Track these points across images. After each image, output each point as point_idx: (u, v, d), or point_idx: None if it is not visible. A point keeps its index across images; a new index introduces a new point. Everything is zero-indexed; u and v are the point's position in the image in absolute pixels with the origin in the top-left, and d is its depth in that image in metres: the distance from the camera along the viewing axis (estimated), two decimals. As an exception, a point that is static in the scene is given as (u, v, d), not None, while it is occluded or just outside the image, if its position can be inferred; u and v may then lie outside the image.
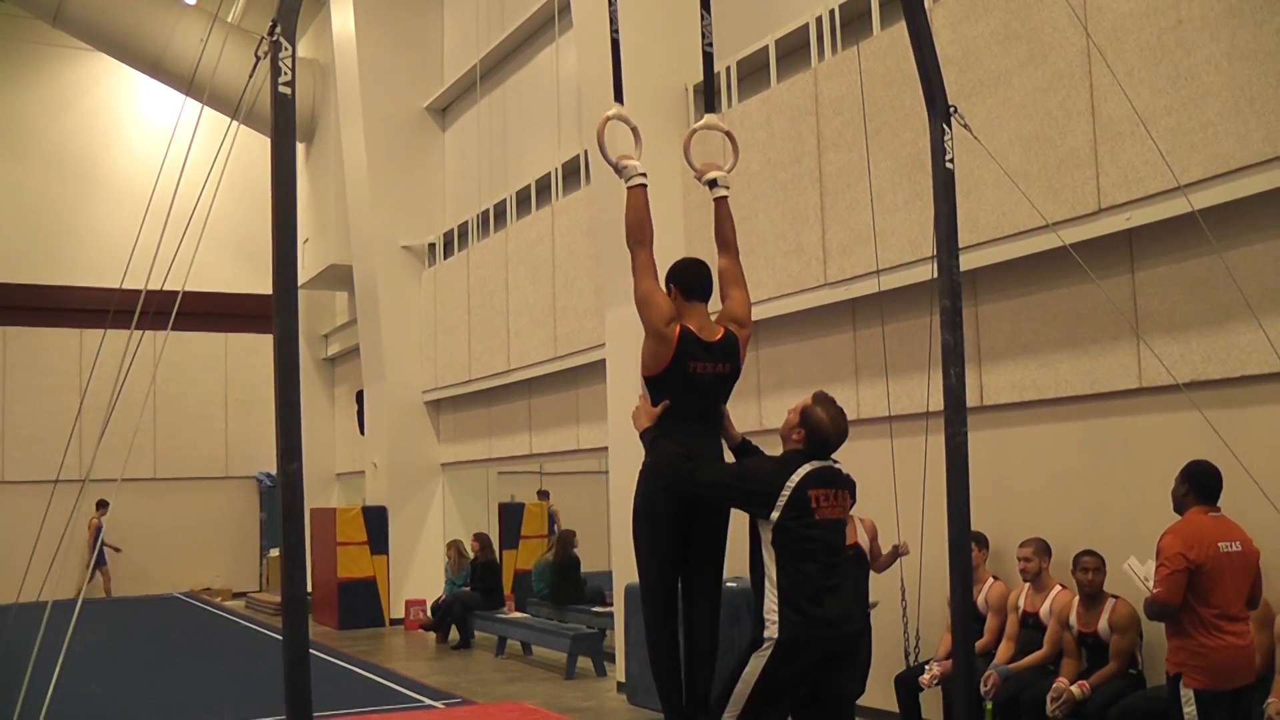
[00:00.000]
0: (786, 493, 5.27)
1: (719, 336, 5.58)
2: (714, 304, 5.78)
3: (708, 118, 6.16)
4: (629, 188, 5.62)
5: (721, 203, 5.95)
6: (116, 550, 23.88)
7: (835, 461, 5.56)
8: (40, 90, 25.44)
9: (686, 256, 5.76)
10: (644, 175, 5.61)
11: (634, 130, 5.81)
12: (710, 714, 5.42)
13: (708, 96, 6.32)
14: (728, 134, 6.12)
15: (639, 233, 5.57)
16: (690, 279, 5.63)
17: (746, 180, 11.17)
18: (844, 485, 5.52)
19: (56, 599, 6.06)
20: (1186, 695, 6.15)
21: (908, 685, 8.59)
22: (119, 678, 12.79)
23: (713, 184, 5.94)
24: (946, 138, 6.56)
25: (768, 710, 5.26)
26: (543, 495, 20.15)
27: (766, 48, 11.30)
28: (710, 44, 6.27)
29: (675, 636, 5.60)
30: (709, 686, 5.70)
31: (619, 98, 5.92)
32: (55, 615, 6.31)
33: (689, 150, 6.04)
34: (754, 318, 10.88)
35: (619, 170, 5.70)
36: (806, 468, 5.34)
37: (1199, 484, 6.36)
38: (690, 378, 5.46)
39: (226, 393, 26.21)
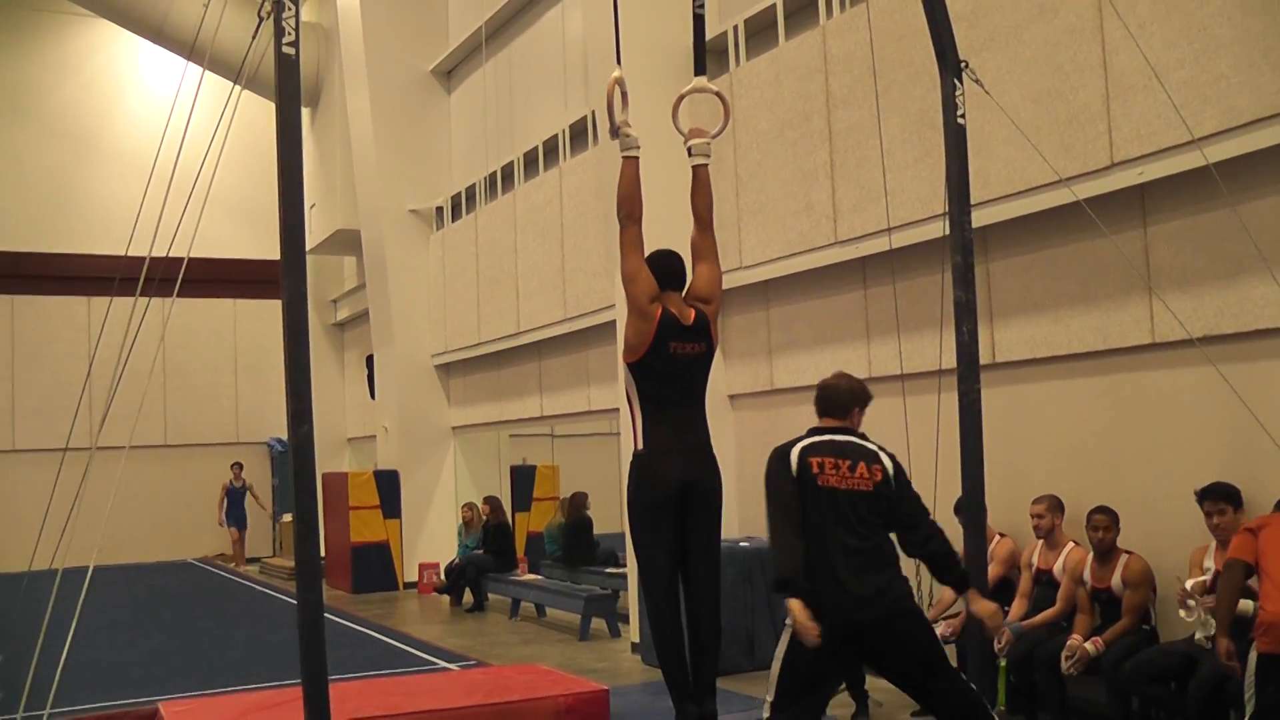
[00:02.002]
0: (793, 472, 5.30)
1: (692, 318, 5.73)
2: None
3: (696, 81, 6.15)
4: (625, 157, 5.66)
5: (699, 170, 5.94)
6: (264, 510, 25.05)
7: (857, 435, 5.48)
8: (42, 57, 25.35)
9: (660, 248, 5.85)
10: (638, 148, 5.72)
11: (623, 95, 5.83)
12: None
13: (698, 58, 6.28)
14: (718, 95, 6.07)
15: (629, 206, 5.70)
16: (663, 271, 5.76)
17: (755, 139, 11.11)
18: (859, 455, 5.39)
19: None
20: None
21: (921, 643, 8.57)
22: (134, 643, 12.85)
23: (689, 151, 5.95)
24: (958, 93, 6.52)
25: (802, 689, 5.18)
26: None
27: (774, 5, 11.21)
28: (701, 5, 6.22)
29: (679, 623, 5.64)
30: (715, 670, 5.73)
31: (619, 60, 5.90)
32: (67, 581, 6.32)
33: (677, 115, 6.02)
34: (764, 277, 10.96)
35: (618, 136, 5.73)
36: (805, 440, 5.31)
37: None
38: (670, 359, 5.62)
39: (236, 359, 26.25)
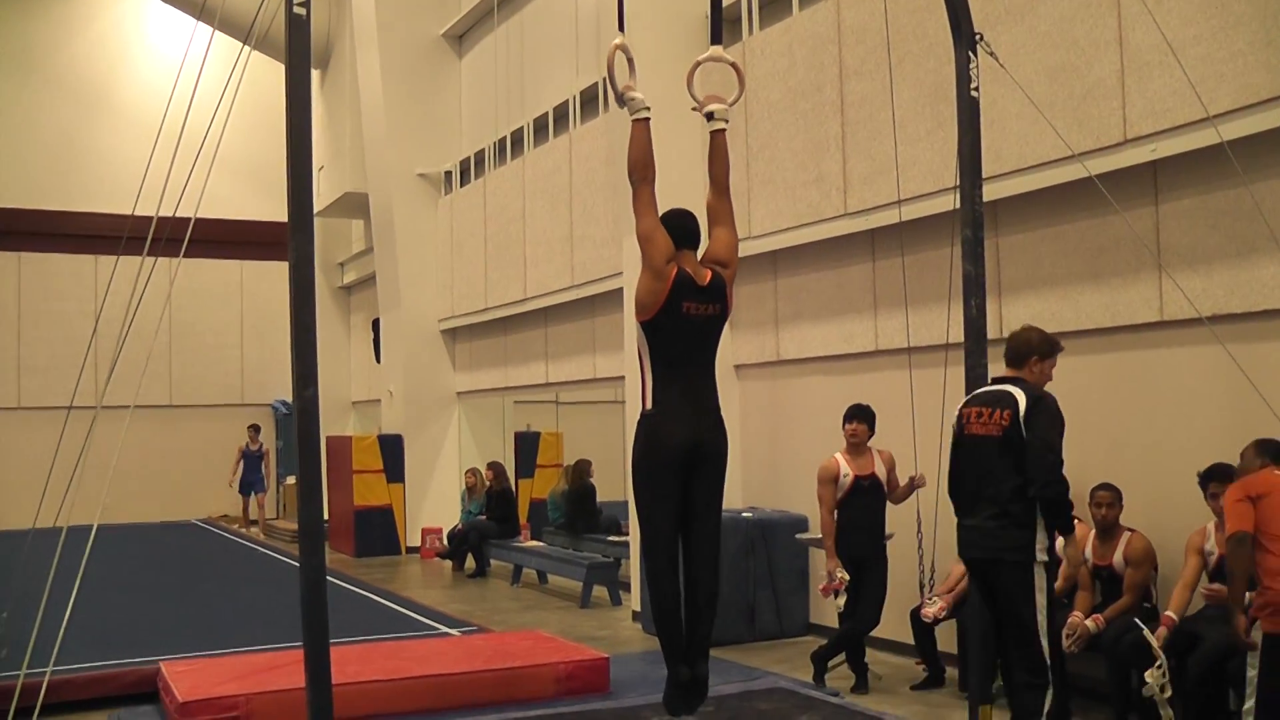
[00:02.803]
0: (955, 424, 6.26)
1: (708, 279, 5.69)
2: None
3: (712, 50, 6.10)
4: (634, 121, 5.66)
5: (717, 136, 5.93)
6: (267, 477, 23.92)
7: (1015, 383, 6.04)
8: (49, 15, 25.23)
9: (675, 207, 5.81)
10: (648, 109, 5.65)
11: (629, 61, 5.77)
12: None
13: (714, 27, 6.23)
14: (733, 65, 6.02)
15: (642, 169, 5.65)
16: (677, 229, 5.72)
17: (767, 109, 11.05)
18: (999, 402, 6.01)
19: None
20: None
21: (923, 618, 8.60)
22: (136, 602, 12.88)
23: (710, 116, 5.91)
24: (972, 66, 6.48)
25: None
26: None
27: (789, -26, 11.16)
28: None
29: (677, 584, 5.65)
30: (709, 633, 5.75)
31: (621, 27, 5.84)
32: (70, 540, 6.33)
33: (692, 83, 5.98)
34: (772, 247, 10.93)
35: (624, 102, 5.71)
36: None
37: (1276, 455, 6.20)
38: (683, 319, 5.59)
39: (241, 320, 26.23)
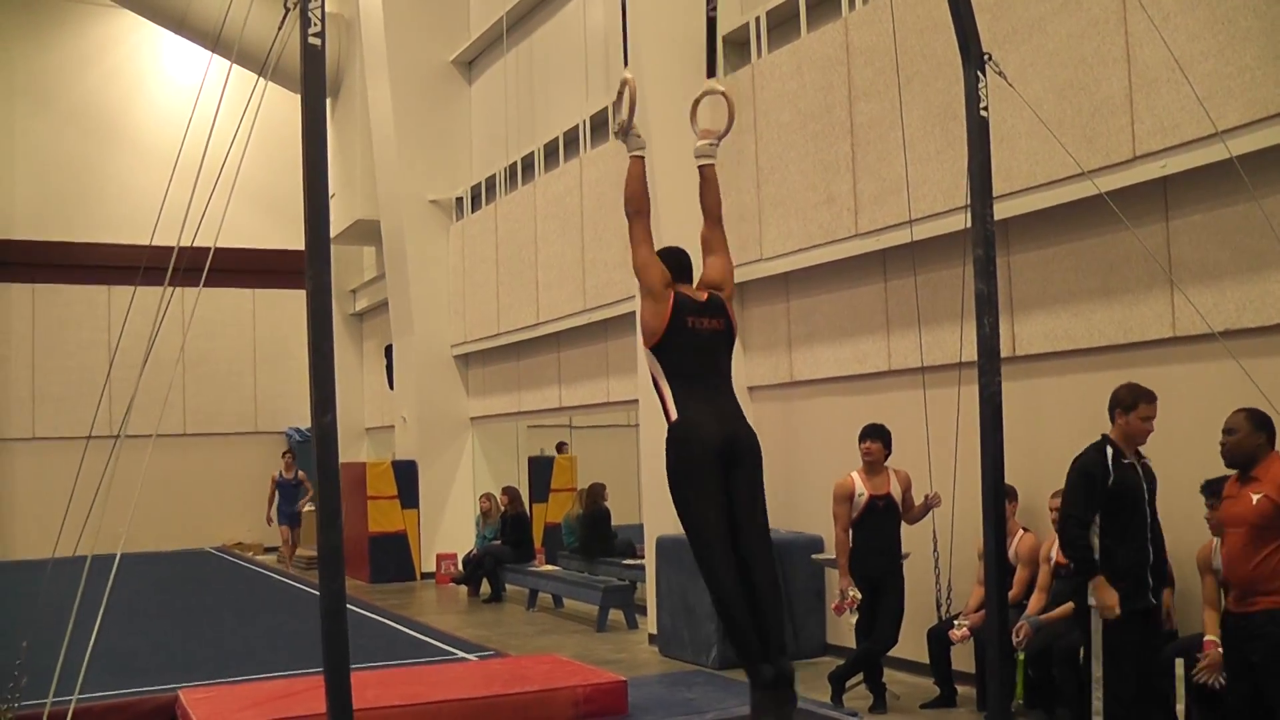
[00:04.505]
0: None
1: (706, 297, 5.80)
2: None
3: (707, 83, 6.21)
4: (632, 157, 5.80)
5: (705, 170, 6.05)
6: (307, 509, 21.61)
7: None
8: (64, 47, 25.40)
9: (668, 246, 5.92)
10: (644, 147, 5.84)
11: (632, 99, 5.89)
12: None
13: (709, 61, 6.31)
14: (724, 94, 6.11)
15: (637, 202, 5.75)
16: (672, 263, 5.81)
17: (777, 131, 11.09)
18: None
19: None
20: None
21: (939, 638, 8.59)
22: (153, 630, 12.89)
23: (695, 153, 6.07)
24: (981, 85, 6.49)
25: None
26: (562, 447, 20.16)
27: (796, -3, 11.21)
28: (714, 9, 6.24)
29: (737, 583, 5.56)
30: (781, 626, 5.67)
31: (626, 62, 6.02)
32: (94, 569, 6.35)
33: (695, 117, 6.10)
34: (785, 269, 10.95)
35: (624, 137, 5.86)
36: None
37: (1273, 430, 6.15)
38: (690, 333, 5.65)
39: (254, 348, 26.30)
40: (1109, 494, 6.42)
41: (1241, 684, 6.13)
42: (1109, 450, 6.49)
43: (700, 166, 6.06)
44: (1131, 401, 6.48)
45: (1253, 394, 6.43)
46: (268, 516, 21.33)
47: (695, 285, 5.92)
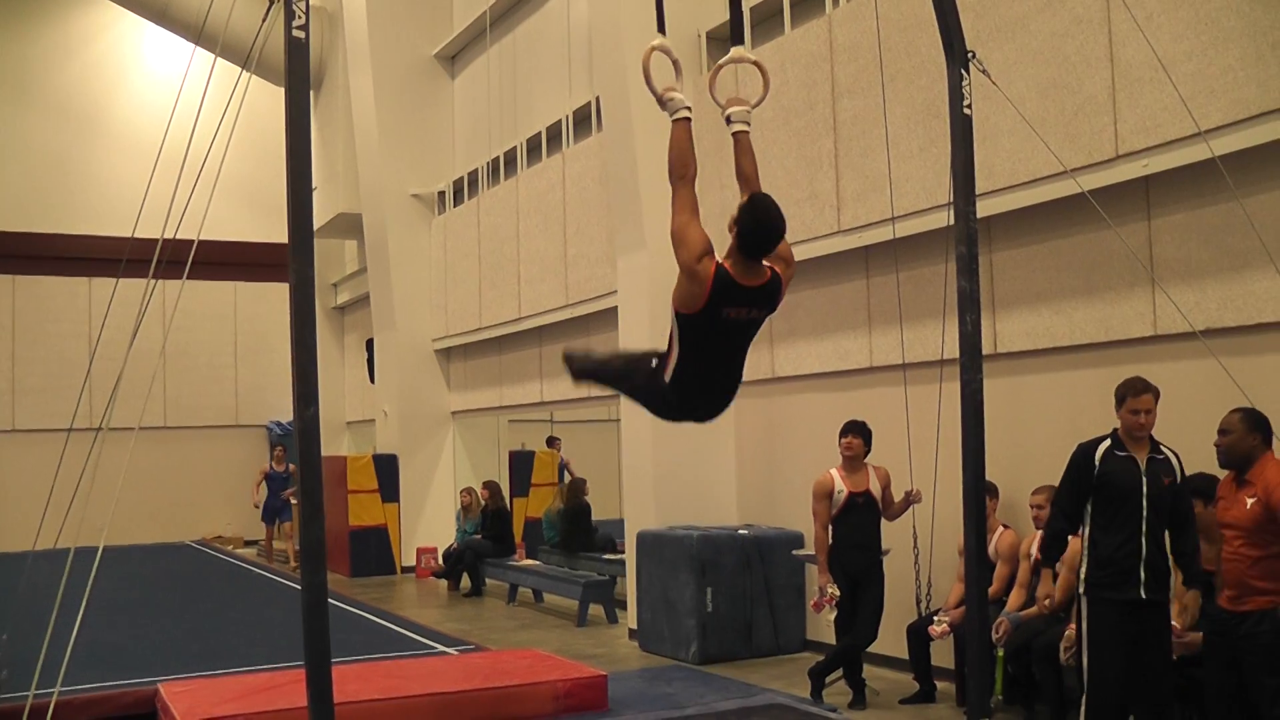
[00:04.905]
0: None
1: (762, 281, 5.03)
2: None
3: (735, 50, 5.88)
4: (674, 120, 5.17)
5: (741, 137, 5.65)
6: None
7: None
8: (45, 37, 25.28)
9: (762, 204, 4.98)
10: (689, 109, 5.18)
11: (675, 63, 5.39)
12: None
13: (734, 28, 6.07)
14: (757, 64, 5.85)
15: (681, 168, 5.11)
16: (750, 234, 4.93)
17: (760, 127, 11.01)
18: None
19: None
20: None
21: (919, 634, 8.62)
22: (133, 624, 12.86)
23: (730, 119, 5.68)
24: (965, 83, 6.50)
25: None
26: (552, 442, 20.11)
27: (780, -7, 11.22)
28: None
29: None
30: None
31: (662, 29, 5.46)
32: (76, 561, 6.34)
33: (714, 87, 5.81)
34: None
35: (663, 103, 5.40)
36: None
37: (1269, 431, 6.19)
38: (723, 323, 5.06)
39: (236, 341, 26.22)
40: (1096, 484, 6.49)
41: (1224, 678, 6.18)
42: (1106, 443, 6.54)
43: (738, 134, 5.67)
44: (1120, 395, 6.53)
45: (1234, 393, 6.47)
46: (255, 502, 21.35)
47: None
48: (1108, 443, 6.55)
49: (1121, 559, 6.39)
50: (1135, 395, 6.48)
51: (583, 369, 5.68)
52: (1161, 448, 6.54)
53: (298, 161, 4.96)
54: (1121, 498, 6.42)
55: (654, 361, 5.27)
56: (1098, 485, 6.49)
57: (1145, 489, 6.40)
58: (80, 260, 24.04)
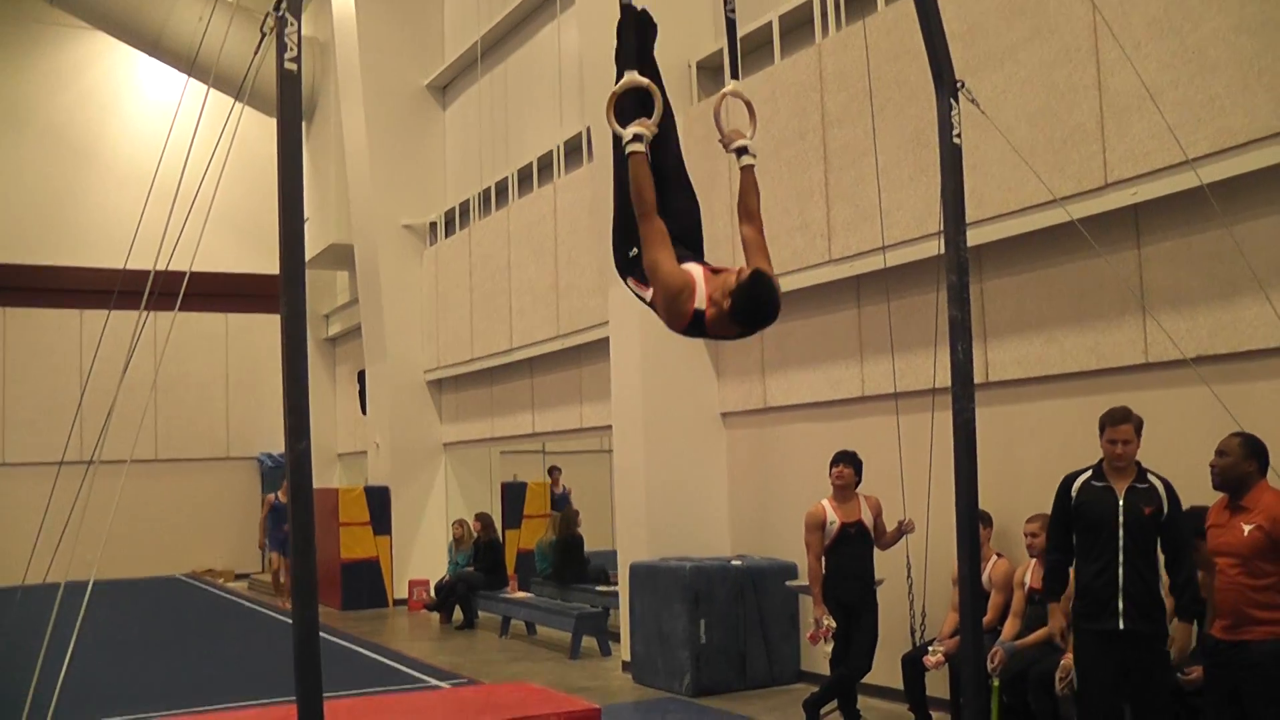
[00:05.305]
0: None
1: (736, 332, 4.90)
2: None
3: (732, 84, 5.95)
4: (628, 154, 5.05)
5: (749, 171, 5.72)
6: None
7: None
8: (38, 68, 25.34)
9: (765, 289, 4.76)
10: (639, 140, 5.03)
11: (647, 95, 5.21)
12: None
13: (732, 63, 6.11)
14: (747, 103, 5.93)
15: (639, 204, 5.06)
16: (745, 316, 4.78)
17: (750, 157, 11.10)
18: None
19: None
20: None
21: (914, 664, 8.58)
22: (124, 660, 12.80)
23: (741, 151, 5.73)
24: (954, 113, 6.51)
25: None
26: (554, 472, 20.01)
27: (770, 23, 11.26)
28: (733, 9, 5.99)
29: None
30: None
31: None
32: (65, 596, 6.30)
33: (719, 118, 5.83)
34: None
35: (618, 138, 5.40)
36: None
37: (1265, 459, 6.16)
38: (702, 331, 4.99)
39: (227, 373, 26.19)
40: (1073, 515, 6.58)
41: (1225, 709, 6.13)
42: (1086, 474, 6.61)
43: (744, 168, 5.73)
44: (1101, 424, 6.57)
45: (1226, 420, 6.47)
46: (260, 543, 21.13)
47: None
48: (1088, 473, 6.61)
49: (1099, 589, 6.42)
50: (1114, 425, 6.51)
51: None
52: (1148, 475, 6.55)
53: (290, 194, 4.95)
54: (1096, 528, 6.47)
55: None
56: (1075, 516, 6.55)
57: (1122, 518, 6.41)
58: (72, 292, 24.04)
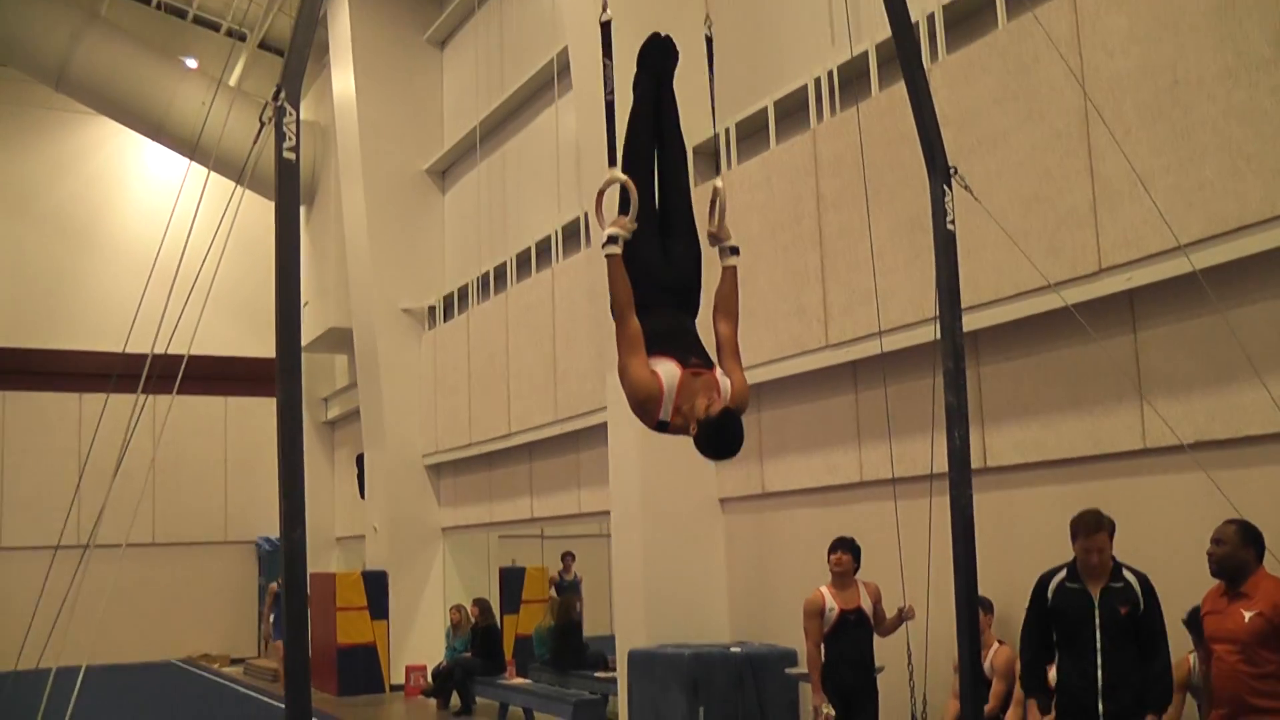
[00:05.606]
0: None
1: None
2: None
3: (717, 181, 5.90)
4: (605, 257, 5.16)
5: (733, 271, 5.74)
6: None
7: None
8: (43, 153, 25.56)
9: (731, 432, 4.85)
10: (615, 243, 5.12)
11: (627, 194, 5.28)
12: None
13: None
14: (718, 199, 5.83)
15: (615, 304, 5.14)
16: (707, 453, 4.92)
17: (747, 241, 11.11)
18: None
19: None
20: None
21: (914, 751, 8.50)
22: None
23: (731, 251, 5.72)
24: (947, 199, 6.57)
25: None
26: (566, 558, 19.78)
27: (765, 109, 11.37)
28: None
29: None
30: None
31: (613, 161, 5.44)
32: (57, 682, 6.24)
33: (601, 207, 5.64)
34: (755, 380, 10.96)
35: (715, 243, 5.58)
36: None
37: (1262, 545, 6.14)
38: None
39: (226, 456, 26.12)
40: (1050, 617, 6.63)
41: None
42: (1061, 574, 6.68)
43: (730, 267, 5.66)
44: (1073, 532, 6.61)
45: (1223, 505, 6.45)
46: (266, 634, 20.89)
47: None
48: (1062, 574, 6.64)
49: (1078, 691, 6.45)
50: (1087, 536, 6.53)
51: None
52: (1123, 573, 6.54)
53: (287, 282, 4.98)
54: (1073, 631, 6.51)
55: None
56: (1052, 618, 6.57)
57: (1098, 620, 6.41)
58: (71, 375, 24.04)
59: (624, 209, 5.20)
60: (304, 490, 4.94)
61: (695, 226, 5.61)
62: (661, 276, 5.31)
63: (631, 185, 5.23)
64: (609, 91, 5.47)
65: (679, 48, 5.67)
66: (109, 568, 6.26)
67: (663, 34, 5.58)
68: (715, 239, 5.70)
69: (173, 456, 24.56)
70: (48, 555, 7.09)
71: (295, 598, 4.91)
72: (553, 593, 17.51)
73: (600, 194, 5.24)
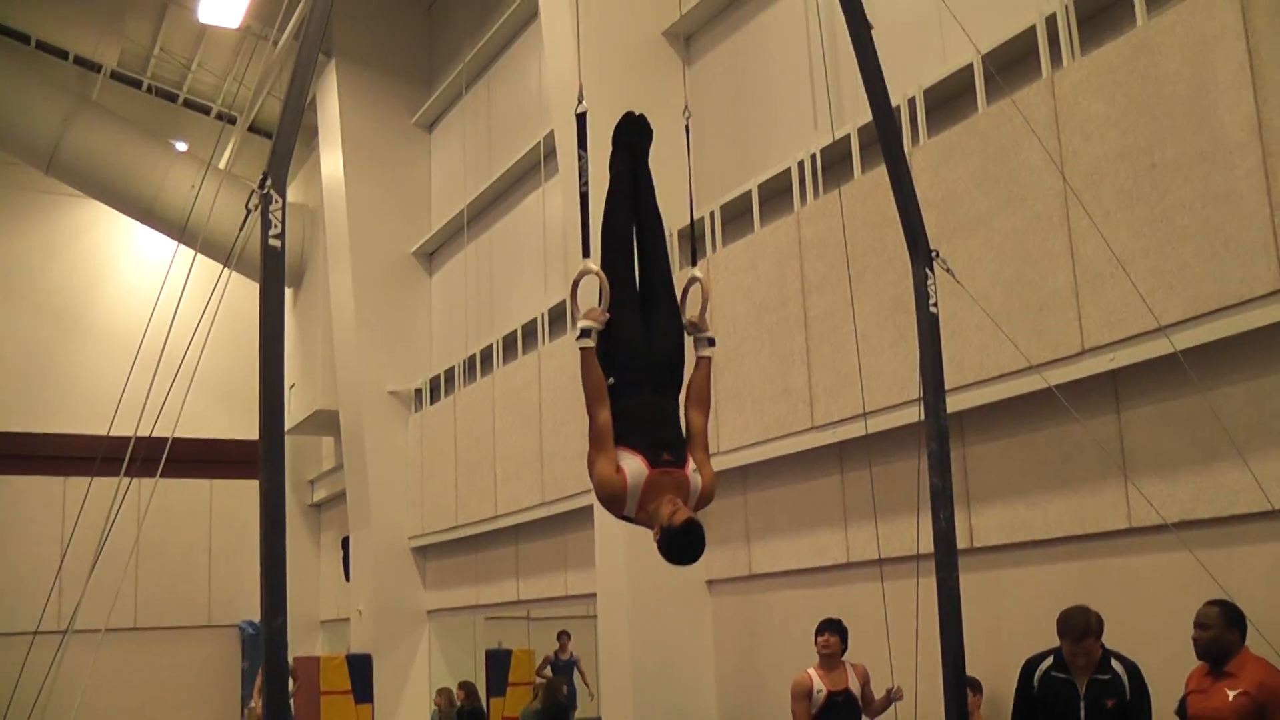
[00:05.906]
0: None
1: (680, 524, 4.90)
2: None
3: (691, 270, 5.99)
4: (580, 350, 5.22)
5: (707, 362, 5.79)
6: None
7: None
8: (32, 237, 25.58)
9: (693, 540, 4.90)
10: (588, 336, 5.19)
11: (603, 287, 5.39)
12: None
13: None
14: (703, 287, 5.89)
15: (587, 396, 5.19)
16: (668, 559, 4.94)
17: (733, 324, 11.23)
18: None
19: None
20: None
21: (904, 836, 8.41)
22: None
23: (710, 341, 5.78)
24: (929, 282, 6.63)
25: None
26: (562, 637, 19.46)
27: (750, 192, 11.46)
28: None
29: None
30: None
31: (587, 251, 5.52)
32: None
33: (575, 297, 5.68)
34: (742, 461, 10.98)
35: (695, 332, 5.66)
36: None
37: (1244, 626, 6.16)
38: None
39: (210, 540, 25.90)
40: (1038, 703, 6.64)
41: None
42: (1048, 661, 6.72)
43: (705, 357, 5.71)
44: (1060, 633, 6.64)
45: (1209, 585, 6.45)
46: (258, 714, 20.66)
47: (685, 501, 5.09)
48: (1049, 661, 6.63)
49: None
50: (1075, 641, 6.55)
51: None
52: (1111, 664, 6.53)
53: (271, 371, 4.99)
54: (1058, 717, 6.45)
55: None
56: (1039, 704, 6.54)
57: (1083, 714, 6.39)
58: (55, 459, 23.86)
59: (600, 299, 5.26)
60: (285, 579, 4.92)
61: (676, 300, 5.68)
62: (644, 354, 5.38)
63: (603, 277, 5.31)
64: (584, 183, 5.55)
65: (657, 131, 5.77)
66: (89, 653, 6.19)
67: (636, 112, 5.69)
68: (694, 328, 5.75)
69: (156, 540, 24.30)
70: (26, 642, 7.03)
71: (275, 686, 4.88)
72: (548, 672, 17.30)
73: (575, 284, 5.29)
